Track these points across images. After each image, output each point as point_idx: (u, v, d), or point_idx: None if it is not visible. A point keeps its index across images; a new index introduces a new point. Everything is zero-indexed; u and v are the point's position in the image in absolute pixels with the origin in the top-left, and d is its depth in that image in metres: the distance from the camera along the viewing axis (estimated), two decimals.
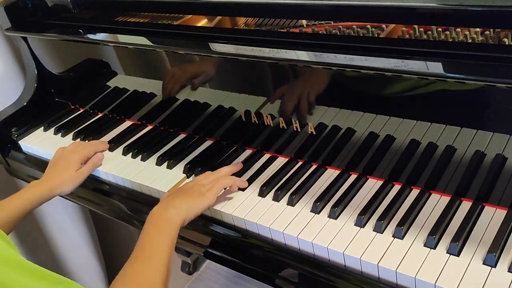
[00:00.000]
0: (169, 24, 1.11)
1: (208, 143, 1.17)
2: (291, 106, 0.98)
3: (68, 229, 1.71)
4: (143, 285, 0.80)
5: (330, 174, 0.99)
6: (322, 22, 0.93)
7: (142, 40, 1.09)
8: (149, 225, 0.88)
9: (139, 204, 1.09)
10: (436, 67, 0.75)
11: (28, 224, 1.64)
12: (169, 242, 0.86)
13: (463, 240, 0.78)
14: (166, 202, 0.93)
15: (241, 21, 1.04)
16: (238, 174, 1.03)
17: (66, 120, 1.40)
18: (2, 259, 0.62)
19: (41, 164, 1.31)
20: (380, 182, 0.94)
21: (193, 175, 1.07)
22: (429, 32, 0.82)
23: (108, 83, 1.33)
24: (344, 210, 0.89)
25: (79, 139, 1.30)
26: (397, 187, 0.92)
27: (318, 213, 0.90)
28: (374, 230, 0.84)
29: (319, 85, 0.93)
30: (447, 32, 0.80)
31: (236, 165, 1.05)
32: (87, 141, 1.29)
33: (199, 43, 1.01)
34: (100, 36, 1.18)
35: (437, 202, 0.87)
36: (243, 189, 0.99)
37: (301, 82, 0.96)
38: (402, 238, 0.81)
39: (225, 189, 0.99)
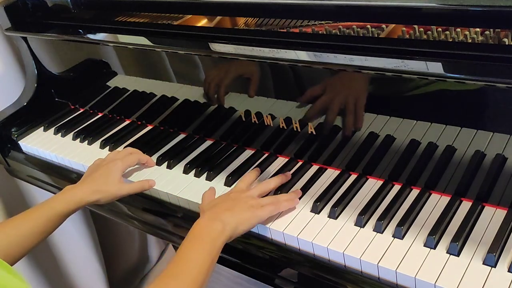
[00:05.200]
0: (169, 24, 1.11)
1: (208, 143, 1.17)
2: (291, 106, 0.98)
3: (68, 229, 1.70)
4: None
5: (330, 174, 0.99)
6: (322, 22, 0.93)
7: (142, 40, 1.09)
8: (190, 238, 0.80)
9: (139, 204, 1.09)
10: (436, 67, 0.75)
11: None
12: (209, 260, 0.77)
13: (463, 240, 0.78)
14: (214, 213, 0.83)
15: (241, 21, 1.04)
16: (238, 175, 1.04)
17: (66, 120, 1.40)
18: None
19: (41, 164, 1.31)
20: (380, 182, 0.94)
21: (192, 171, 1.07)
22: (429, 32, 0.82)
23: (108, 83, 1.33)
24: (344, 210, 0.89)
25: (79, 139, 1.29)
26: (397, 187, 0.92)
27: (318, 213, 0.90)
28: (374, 230, 0.84)
29: (318, 85, 0.93)
30: (447, 32, 0.80)
31: (285, 175, 0.97)
32: (116, 145, 1.23)
33: (199, 43, 1.01)
34: (100, 36, 1.18)
35: (437, 202, 0.87)
36: None
37: (301, 82, 0.96)
38: (402, 238, 0.81)
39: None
